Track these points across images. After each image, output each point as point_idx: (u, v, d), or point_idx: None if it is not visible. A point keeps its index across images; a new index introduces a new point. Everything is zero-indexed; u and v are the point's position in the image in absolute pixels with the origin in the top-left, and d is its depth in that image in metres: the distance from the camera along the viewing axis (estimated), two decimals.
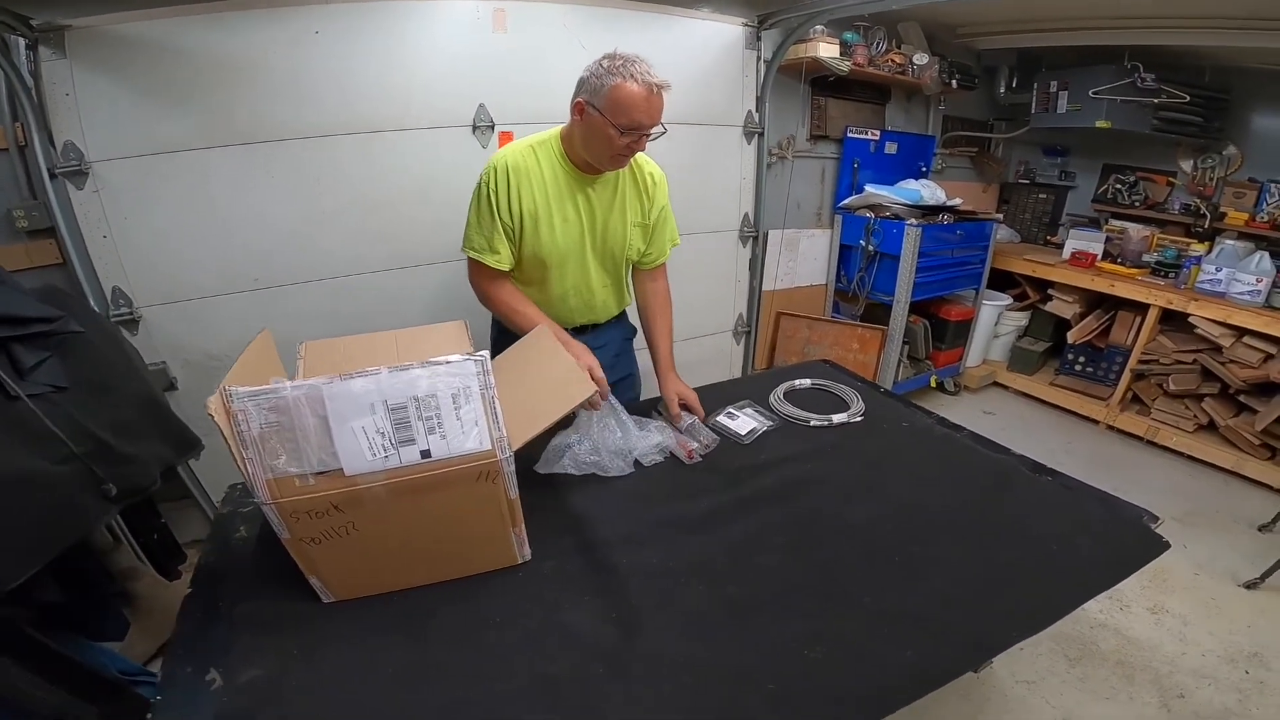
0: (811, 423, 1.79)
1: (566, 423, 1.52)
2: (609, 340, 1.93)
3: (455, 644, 1.08)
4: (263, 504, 0.97)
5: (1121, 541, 1.33)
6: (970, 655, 1.06)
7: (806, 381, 2.03)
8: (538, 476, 1.49)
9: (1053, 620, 1.14)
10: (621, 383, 1.99)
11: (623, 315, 2.01)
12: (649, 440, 1.59)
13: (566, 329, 1.72)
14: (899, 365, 3.72)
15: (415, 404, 0.96)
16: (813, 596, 1.18)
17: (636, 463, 1.57)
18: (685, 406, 1.75)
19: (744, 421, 1.77)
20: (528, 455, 1.50)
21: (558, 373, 1.18)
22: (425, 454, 0.99)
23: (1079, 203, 4.50)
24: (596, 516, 1.39)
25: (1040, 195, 4.59)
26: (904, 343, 3.70)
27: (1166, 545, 1.30)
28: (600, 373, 1.52)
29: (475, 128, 2.51)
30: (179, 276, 2.22)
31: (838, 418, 1.79)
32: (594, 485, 1.50)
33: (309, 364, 1.37)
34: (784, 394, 1.94)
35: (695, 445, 1.62)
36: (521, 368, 1.29)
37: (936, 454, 1.67)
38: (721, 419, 1.77)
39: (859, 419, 1.82)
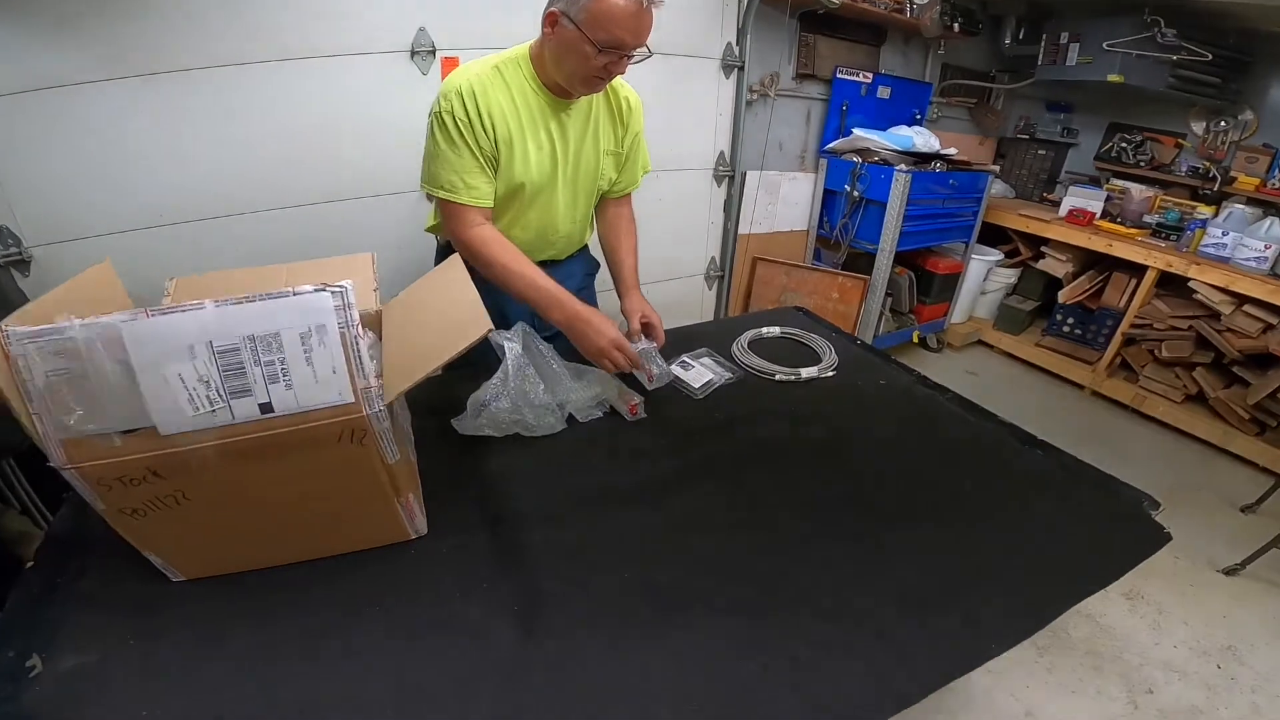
0: (776, 377, 1.59)
1: (490, 372, 1.31)
2: (570, 274, 1.73)
3: (316, 637, 0.88)
4: (61, 469, 0.76)
5: (1118, 530, 1.15)
6: (937, 676, 0.88)
7: (775, 330, 1.82)
8: (454, 437, 1.29)
9: (1036, 629, 0.96)
10: None
11: (585, 249, 1.82)
12: (586, 392, 1.38)
13: None
14: (881, 318, 3.55)
15: (250, 345, 0.75)
16: (756, 591, 0.99)
17: (571, 418, 1.37)
18: (646, 328, 1.55)
19: (699, 372, 1.56)
20: (450, 408, 1.32)
21: (457, 308, 0.97)
22: (265, 408, 0.78)
23: (1080, 161, 4.30)
24: (513, 484, 1.20)
25: (1040, 151, 4.37)
26: (887, 294, 3.52)
27: (1168, 537, 1.12)
28: (632, 351, 1.41)
29: (414, 53, 2.23)
30: (75, 214, 1.97)
31: (806, 372, 1.59)
32: (516, 446, 1.29)
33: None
34: (748, 343, 1.73)
35: (638, 400, 1.41)
36: (421, 304, 1.08)
37: (916, 419, 1.48)
38: (674, 369, 1.56)
39: (831, 374, 1.62)
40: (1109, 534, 1.14)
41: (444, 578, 0.99)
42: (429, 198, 1.50)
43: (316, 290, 0.76)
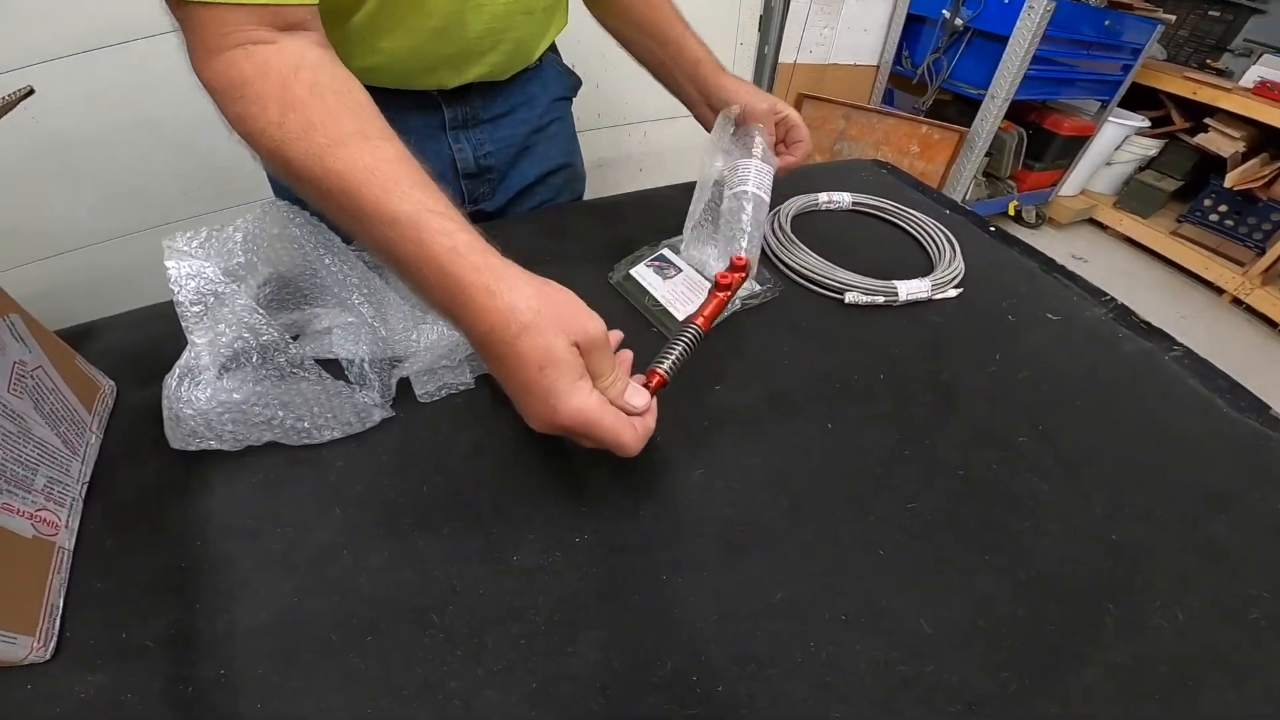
0: (848, 297, 0.78)
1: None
2: (528, 99, 0.89)
3: None
4: None
5: None
6: None
7: (843, 198, 1.00)
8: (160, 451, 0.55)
9: None
10: (550, 178, 0.98)
11: (553, 57, 0.94)
12: (438, 336, 0.58)
13: (426, 92, 0.78)
14: (972, 182, 2.73)
15: None
16: None
17: (408, 390, 0.60)
18: (784, 130, 0.80)
19: (688, 281, 0.76)
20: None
21: None
22: None
23: (1262, 31, 3.34)
24: (247, 562, 0.46)
25: (1211, 12, 3.41)
26: (986, 154, 2.67)
27: None
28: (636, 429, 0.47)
29: None
30: None
31: (909, 288, 0.78)
32: (285, 462, 0.54)
33: None
34: (791, 222, 0.92)
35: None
36: None
37: (1132, 407, 0.68)
38: (642, 270, 0.77)
39: (953, 293, 0.82)
40: None
41: None
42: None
43: None
